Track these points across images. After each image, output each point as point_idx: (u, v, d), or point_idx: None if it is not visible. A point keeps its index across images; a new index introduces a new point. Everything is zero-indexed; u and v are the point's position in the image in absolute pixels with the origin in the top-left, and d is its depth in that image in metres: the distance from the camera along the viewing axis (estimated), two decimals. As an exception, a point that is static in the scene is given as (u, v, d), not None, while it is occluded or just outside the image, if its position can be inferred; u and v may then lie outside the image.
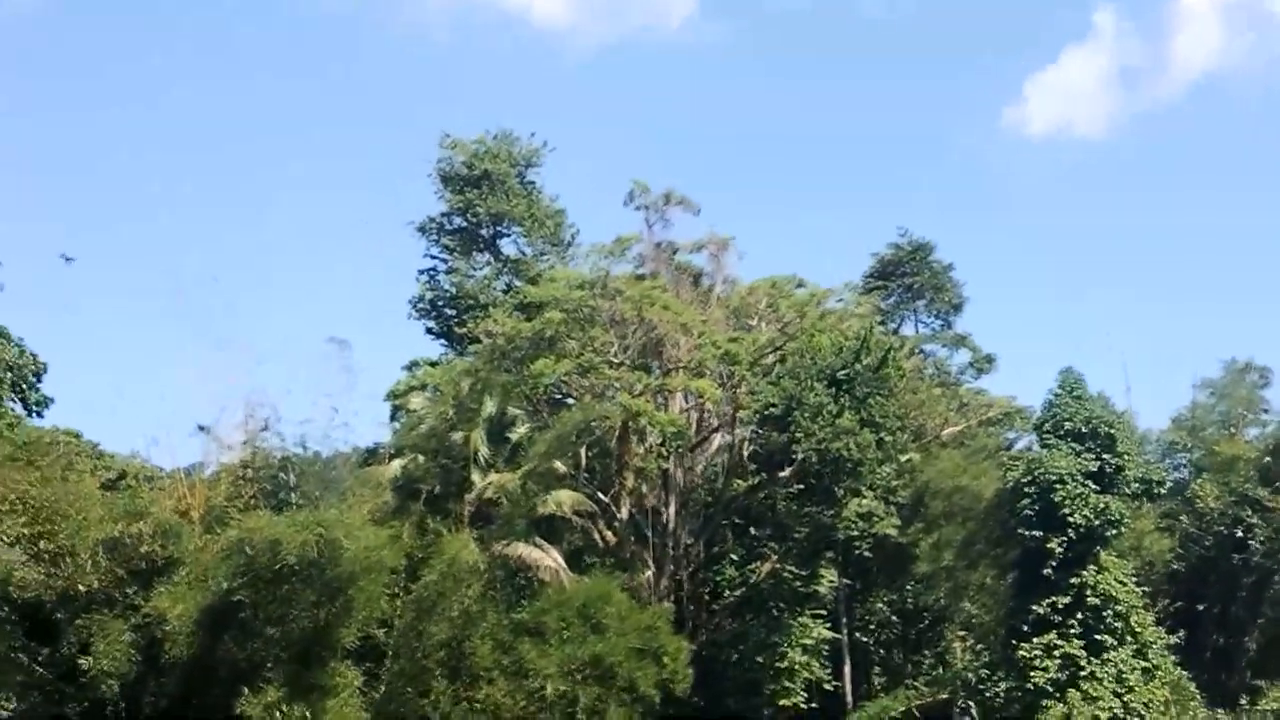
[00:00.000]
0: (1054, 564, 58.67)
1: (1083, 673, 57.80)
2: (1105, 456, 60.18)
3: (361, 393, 69.32)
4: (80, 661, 45.37)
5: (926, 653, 70.71)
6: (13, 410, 47.43)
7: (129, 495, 52.69)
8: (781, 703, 60.91)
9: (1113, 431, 60.75)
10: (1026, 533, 59.21)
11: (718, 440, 66.23)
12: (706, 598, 64.75)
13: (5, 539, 44.72)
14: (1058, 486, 58.78)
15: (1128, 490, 61.03)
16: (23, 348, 43.35)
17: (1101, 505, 58.86)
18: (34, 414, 48.31)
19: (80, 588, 46.28)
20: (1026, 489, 59.57)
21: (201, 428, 58.46)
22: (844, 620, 64.56)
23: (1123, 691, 57.71)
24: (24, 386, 44.37)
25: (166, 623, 45.08)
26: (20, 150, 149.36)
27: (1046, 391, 63.20)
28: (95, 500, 48.86)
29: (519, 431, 57.96)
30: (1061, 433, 60.86)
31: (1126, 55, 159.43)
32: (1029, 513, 59.29)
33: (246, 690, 44.45)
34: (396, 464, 57.23)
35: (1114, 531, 59.58)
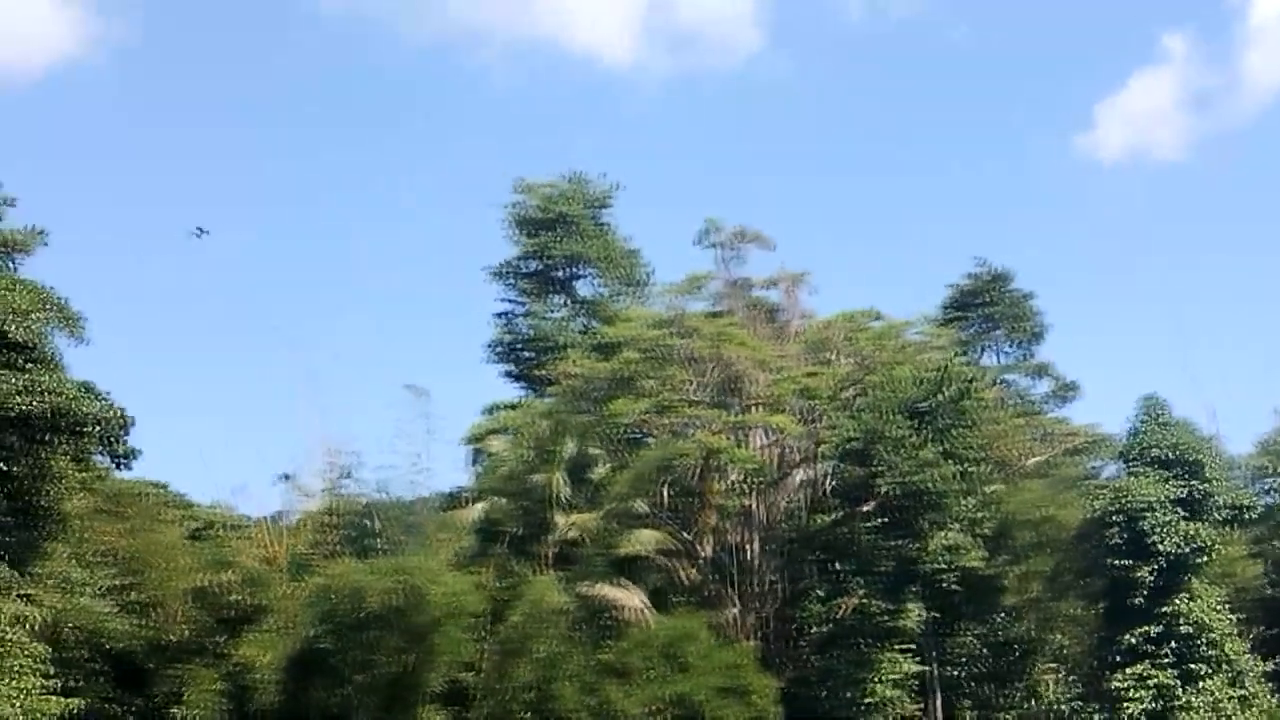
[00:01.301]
0: (1144, 593, 57.92)
1: (1177, 702, 56.93)
2: (1193, 483, 59.35)
3: (441, 437, 69.83)
4: (171, 710, 45.86)
5: (1016, 685, 69.70)
6: (101, 463, 47.98)
7: (215, 545, 53.34)
8: (870, 739, 60.40)
9: (1200, 457, 59.93)
10: (1114, 562, 58.48)
11: (798, 475, 65.92)
12: (792, 634, 64.38)
13: (95, 590, 45.26)
14: (1145, 514, 58.04)
15: (1217, 516, 60.12)
16: (109, 401, 43.80)
17: (1190, 532, 58.06)
18: (121, 466, 48.71)
19: (169, 637, 46.81)
20: (1113, 518, 58.83)
21: (284, 476, 59.12)
22: (932, 654, 63.88)
23: (1218, 720, 56.85)
24: (111, 440, 44.83)
25: (255, 670, 45.51)
26: (103, 201, 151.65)
27: (1130, 419, 62.51)
28: (182, 550, 49.49)
29: (599, 471, 58.04)
30: (1147, 460, 60.12)
31: (1198, 77, 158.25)
32: (1117, 542, 58.55)
33: (334, 736, 44.73)
34: (478, 507, 57.47)
35: (1204, 559, 58.75)
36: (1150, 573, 57.76)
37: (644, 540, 55.45)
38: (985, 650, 66.28)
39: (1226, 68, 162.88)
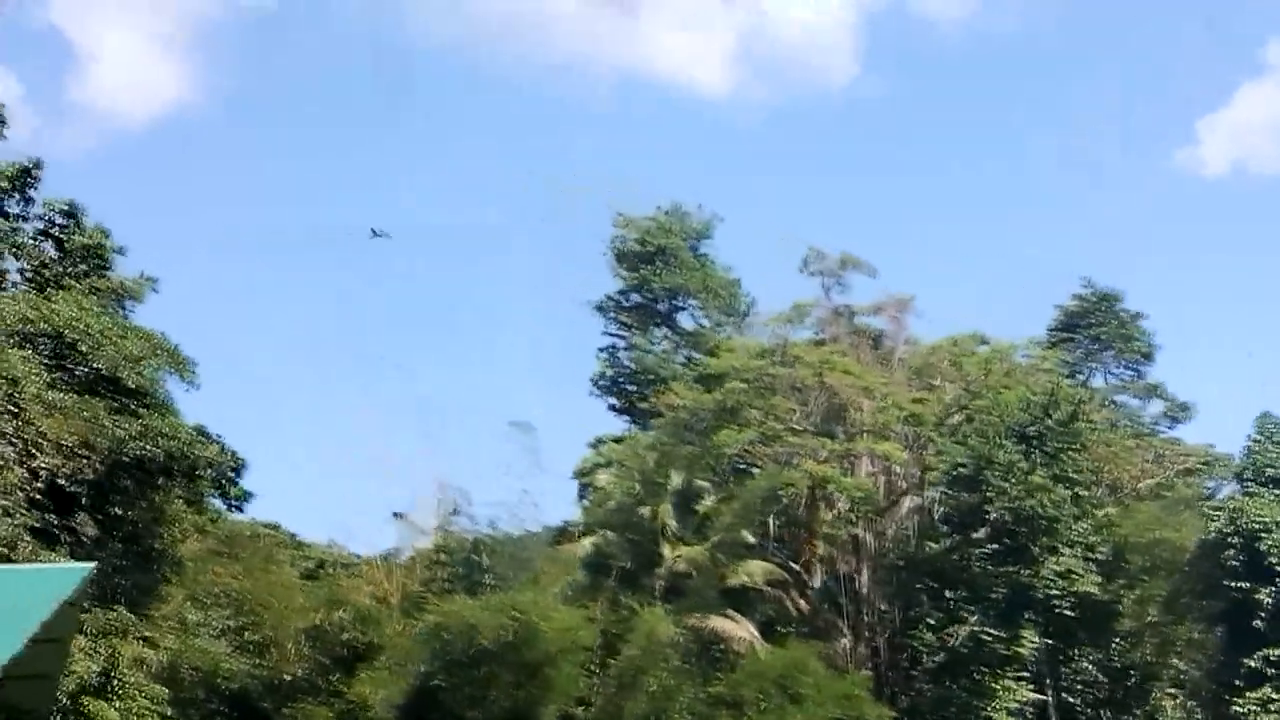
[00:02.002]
0: (1264, 615, 56.72)
1: (1302, 726, 55.71)
2: (1312, 502, 58.15)
3: (549, 471, 70.09)
4: (288, 749, 46.26)
5: (1136, 711, 68.53)
6: (215, 506, 48.78)
7: (328, 583, 53.88)
8: (988, 768, 59.63)
9: (1318, 476, 58.72)
10: (1233, 584, 57.33)
11: (907, 503, 65.39)
12: (905, 663, 63.74)
13: (212, 631, 45.88)
14: (1263, 535, 56.87)
15: (1338, 535, 58.79)
16: (223, 444, 44.54)
17: (1311, 553, 56.84)
18: (235, 509, 49.66)
19: (285, 676, 47.31)
20: (1230, 539, 57.72)
21: (395, 514, 59.63)
22: (1048, 681, 63.00)
23: (1347, 744, 55.49)
24: (225, 483, 45.62)
25: (369, 708, 45.85)
26: (212, 245, 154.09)
27: (1245, 438, 61.37)
28: (296, 590, 50.04)
29: (706, 503, 57.94)
30: (1264, 479, 58.96)
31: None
32: (1235, 563, 57.41)
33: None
34: (586, 541, 57.57)
35: (1327, 580, 57.47)
36: (1270, 595, 56.55)
37: (752, 571, 55.26)
38: (1103, 676, 65.25)
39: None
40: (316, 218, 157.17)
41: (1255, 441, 60.54)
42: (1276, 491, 58.37)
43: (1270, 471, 58.90)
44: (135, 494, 41.02)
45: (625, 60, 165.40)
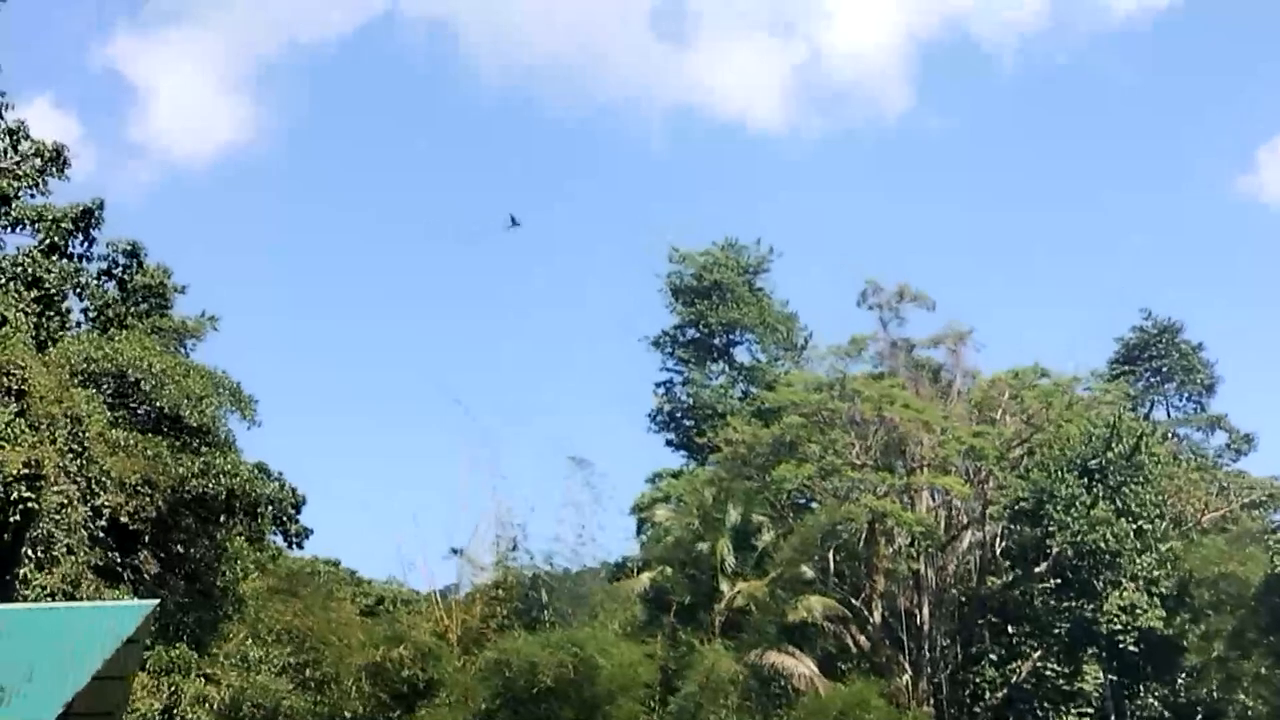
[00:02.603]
0: (1332, 651, 55.97)
1: (1373, 763, 54.85)
2: (1379, 533, 57.42)
3: (608, 506, 70.01)
4: (348, 786, 46.23)
5: (1203, 749, 67.80)
6: (275, 543, 49.00)
7: (388, 620, 53.90)
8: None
9: (1387, 508, 57.97)
10: (1300, 618, 56.64)
11: (968, 538, 64.94)
12: (967, 700, 63.19)
13: (273, 668, 45.97)
14: (1331, 569, 56.21)
15: (1407, 568, 57.98)
16: (283, 481, 44.76)
17: (1380, 586, 56.07)
18: (294, 545, 49.80)
19: (345, 713, 47.26)
20: (1296, 573, 57.05)
21: (455, 550, 59.68)
22: (1112, 717, 62.35)
23: None
24: (285, 520, 45.81)
25: (430, 745, 45.73)
26: (272, 282, 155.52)
27: (1310, 469, 60.71)
28: (356, 627, 50.04)
29: (764, 538, 57.70)
30: (1331, 512, 58.31)
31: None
32: (1301, 597, 56.75)
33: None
34: (645, 577, 57.42)
35: (1396, 614, 56.65)
36: (1338, 629, 55.85)
37: (812, 607, 54.91)
38: (1168, 713, 64.48)
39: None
40: (375, 254, 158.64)
41: (1320, 473, 59.87)
42: (1344, 524, 57.70)
43: (1337, 504, 58.24)
44: (197, 531, 41.29)
45: (680, 96, 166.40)
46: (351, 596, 57.47)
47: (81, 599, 33.21)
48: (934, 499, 63.56)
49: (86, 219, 42.27)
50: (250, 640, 45.81)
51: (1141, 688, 63.86)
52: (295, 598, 49.01)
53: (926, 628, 61.99)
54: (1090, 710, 61.15)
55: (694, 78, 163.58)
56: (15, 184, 40.61)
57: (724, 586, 54.89)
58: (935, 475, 60.85)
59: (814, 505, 63.83)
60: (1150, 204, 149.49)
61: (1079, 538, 56.74)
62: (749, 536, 57.27)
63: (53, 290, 40.60)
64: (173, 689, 38.25)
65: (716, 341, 78.44)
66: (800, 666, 53.12)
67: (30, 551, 33.10)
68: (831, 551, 60.52)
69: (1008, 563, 63.08)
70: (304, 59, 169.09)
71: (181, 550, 40.97)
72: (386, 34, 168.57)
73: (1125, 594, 60.28)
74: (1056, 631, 60.88)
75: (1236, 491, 72.87)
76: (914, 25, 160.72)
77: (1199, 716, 66.14)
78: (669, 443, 77.55)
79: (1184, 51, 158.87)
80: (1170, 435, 79.58)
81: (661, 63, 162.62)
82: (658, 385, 78.64)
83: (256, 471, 43.12)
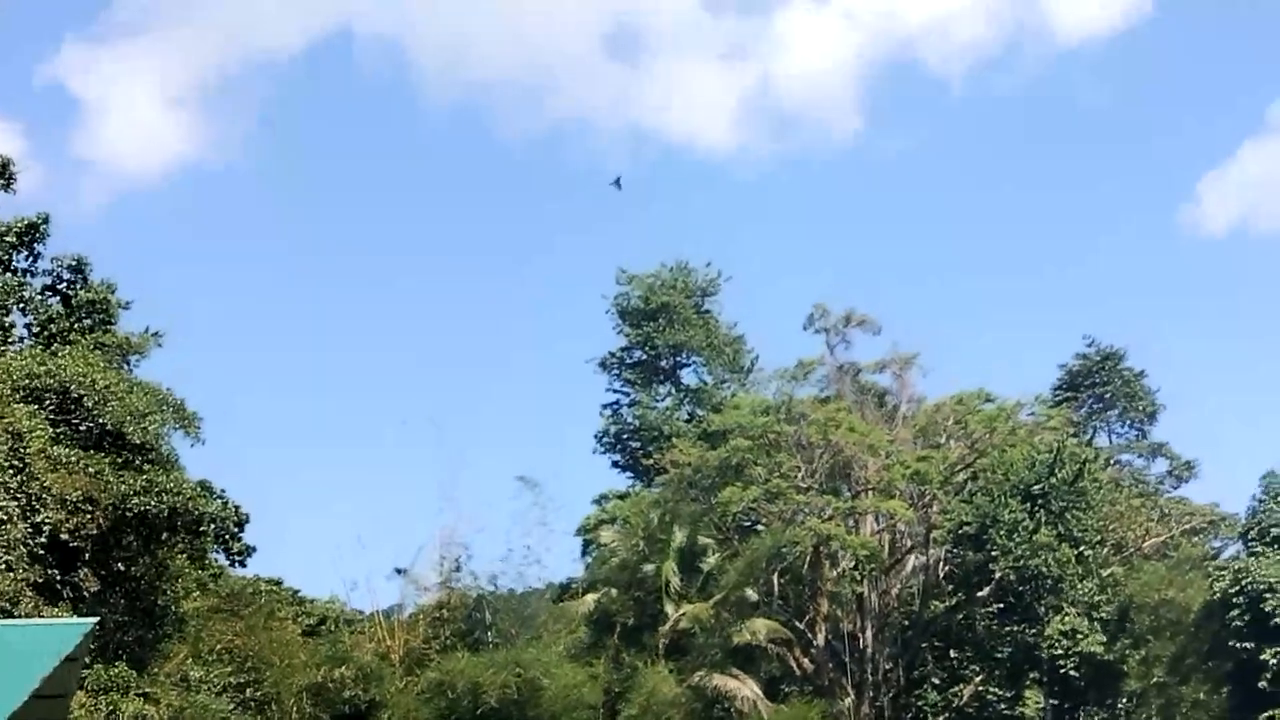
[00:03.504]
0: (1269, 676, 56.44)
1: (1309, 788, 55.32)
2: (1317, 562, 57.99)
3: (554, 528, 69.91)
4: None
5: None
6: (217, 562, 48.63)
7: (331, 640, 53.61)
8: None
9: (1324, 536, 58.59)
10: (1238, 645, 57.13)
11: (912, 561, 65.28)
12: (909, 723, 63.46)
13: (213, 688, 45.62)
14: (1268, 596, 56.72)
15: (1344, 596, 58.59)
16: (226, 499, 44.45)
17: (1316, 613, 56.62)
18: (237, 564, 49.37)
19: (287, 734, 46.99)
20: (1235, 599, 57.57)
21: (399, 570, 59.45)
22: (1053, 742, 62.75)
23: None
24: (227, 538, 45.45)
25: (371, 766, 45.50)
26: (218, 298, 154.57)
27: (1250, 497, 61.28)
28: (298, 646, 49.78)
29: (710, 560, 57.77)
30: (1269, 539, 58.86)
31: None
32: (1240, 624, 57.24)
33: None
34: (590, 598, 57.42)
35: (1333, 640, 57.20)
36: (1275, 655, 56.30)
37: (756, 629, 55.02)
38: (1109, 737, 64.99)
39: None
40: (324, 273, 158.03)
41: (1260, 501, 60.49)
42: (1281, 551, 58.24)
43: (1275, 531, 58.84)
44: (138, 549, 40.87)
45: (630, 117, 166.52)
46: (294, 616, 57.08)
47: (21, 616, 32.88)
48: (878, 522, 63.84)
49: (31, 233, 41.91)
50: (191, 660, 45.45)
51: (1082, 712, 64.34)
52: (237, 617, 48.72)
53: (870, 651, 62.20)
54: (1031, 734, 61.51)
55: (645, 99, 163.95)
56: (-42, 198, 40.25)
57: (669, 609, 54.95)
58: (880, 499, 61.11)
59: (759, 528, 63.98)
60: (1095, 231, 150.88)
61: (1021, 562, 57.06)
62: (694, 559, 57.33)
63: (-5, 305, 40.24)
64: (111, 708, 37.82)
65: (663, 363, 78.52)
66: (744, 689, 53.20)
67: (-32, 568, 32.78)
68: (776, 574, 60.62)
69: (951, 587, 63.38)
70: (256, 74, 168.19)
71: (122, 568, 40.54)
72: (339, 50, 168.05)
73: (1067, 619, 60.67)
74: (998, 655, 61.22)
75: (1177, 518, 73.50)
76: (864, 49, 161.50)
77: (1139, 741, 66.72)
78: (615, 464, 77.58)
79: (1129, 81, 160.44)
80: (1112, 461, 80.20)
81: (613, 84, 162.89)
82: (604, 407, 78.70)
83: (199, 489, 42.73)
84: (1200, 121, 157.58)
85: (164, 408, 41.70)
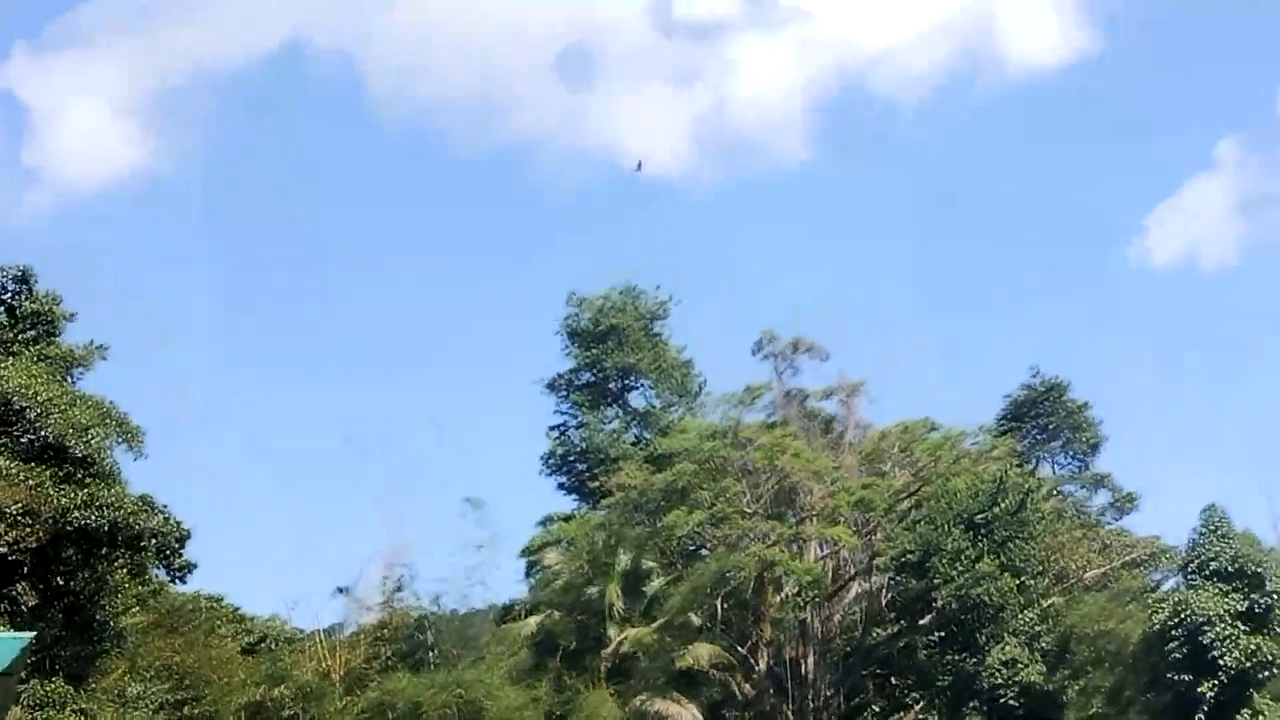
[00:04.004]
0: (1205, 709, 56.80)
1: (1242, 820, 55.69)
2: (1254, 596, 58.38)
3: (498, 549, 69.75)
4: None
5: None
6: (158, 577, 48.22)
7: (271, 659, 53.31)
8: None
9: (1261, 570, 59.00)
10: (1176, 677, 57.48)
11: (855, 588, 65.47)
12: (850, 750, 63.57)
13: (151, 705, 45.27)
14: (1206, 629, 57.11)
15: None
16: (167, 515, 44.08)
17: (1253, 647, 57.02)
18: (177, 580, 48.98)
19: (224, 752, 46.65)
20: (1174, 632, 57.94)
21: (341, 589, 59.21)
22: (992, 771, 62.96)
23: (1285, 841, 55.53)
24: (169, 553, 45.07)
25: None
26: (162, 312, 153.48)
27: (1191, 530, 61.77)
28: (237, 664, 49.49)
29: (654, 584, 57.84)
30: (1208, 572, 59.25)
31: (1252, 182, 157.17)
32: (1177, 656, 57.60)
33: None
34: (533, 620, 57.36)
35: (1268, 674, 57.62)
36: (1212, 688, 56.65)
37: (699, 654, 55.08)
38: (1047, 767, 65.23)
39: (1279, 172, 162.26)
40: (270, 286, 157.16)
41: (1200, 535, 60.89)
42: (1220, 585, 58.63)
43: (1214, 565, 59.19)
44: (78, 564, 40.55)
45: (581, 139, 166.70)
46: (234, 634, 56.71)
47: (-44, 630, 32.55)
48: (822, 549, 63.99)
49: (-25, 243, 41.57)
50: (129, 676, 45.07)
51: (1021, 741, 64.52)
52: (176, 634, 48.38)
53: (811, 677, 62.28)
54: (970, 763, 61.66)
55: (598, 121, 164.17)
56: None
57: (612, 632, 54.94)
58: (824, 525, 61.27)
59: (704, 552, 64.04)
60: (1042, 263, 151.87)
61: (963, 591, 57.29)
62: (639, 582, 57.37)
63: (-63, 315, 39.87)
64: (47, 724, 37.53)
65: (612, 386, 78.58)
66: (685, 713, 53.24)
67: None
68: (720, 599, 60.67)
69: (893, 614, 63.57)
70: (207, 86, 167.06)
71: (61, 582, 40.20)
72: (292, 64, 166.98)
73: (1007, 648, 60.91)
74: (939, 684, 61.34)
75: (1118, 550, 73.93)
76: (816, 76, 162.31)
77: (1076, 771, 66.97)
78: (561, 486, 77.50)
79: (1078, 114, 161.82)
80: (1055, 492, 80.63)
81: (566, 104, 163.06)
82: (552, 428, 78.64)
83: (141, 504, 42.37)
84: (1148, 156, 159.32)
85: (107, 421, 41.39)
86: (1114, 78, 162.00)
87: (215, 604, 58.29)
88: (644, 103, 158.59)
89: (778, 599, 61.80)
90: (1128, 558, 72.77)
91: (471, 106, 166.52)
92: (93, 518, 38.77)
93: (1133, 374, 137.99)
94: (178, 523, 44.92)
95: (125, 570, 43.24)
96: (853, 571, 65.21)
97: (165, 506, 45.33)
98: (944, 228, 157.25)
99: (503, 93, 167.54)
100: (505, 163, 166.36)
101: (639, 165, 64.86)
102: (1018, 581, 58.41)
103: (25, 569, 38.00)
